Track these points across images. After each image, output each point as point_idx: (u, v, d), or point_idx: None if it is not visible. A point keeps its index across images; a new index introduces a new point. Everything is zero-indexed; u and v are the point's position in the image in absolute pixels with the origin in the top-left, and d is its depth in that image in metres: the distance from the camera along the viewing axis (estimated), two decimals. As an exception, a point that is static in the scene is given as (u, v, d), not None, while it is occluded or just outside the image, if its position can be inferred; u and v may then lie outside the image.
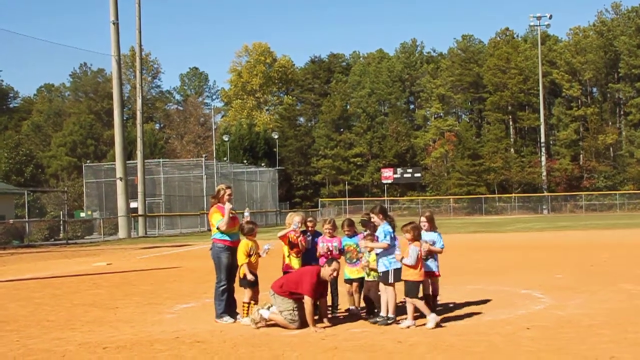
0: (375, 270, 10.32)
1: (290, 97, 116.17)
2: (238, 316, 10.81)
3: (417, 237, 10.05)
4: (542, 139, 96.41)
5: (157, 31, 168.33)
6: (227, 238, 10.87)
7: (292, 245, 10.90)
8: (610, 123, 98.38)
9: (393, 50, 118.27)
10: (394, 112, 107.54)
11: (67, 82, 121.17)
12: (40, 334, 10.21)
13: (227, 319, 10.72)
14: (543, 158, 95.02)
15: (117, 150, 47.91)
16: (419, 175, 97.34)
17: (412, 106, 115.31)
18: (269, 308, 10.19)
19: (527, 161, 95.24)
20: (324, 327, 9.93)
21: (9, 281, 18.63)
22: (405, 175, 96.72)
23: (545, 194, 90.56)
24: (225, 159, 79.14)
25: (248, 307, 10.72)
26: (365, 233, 10.56)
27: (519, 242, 30.47)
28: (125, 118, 58.92)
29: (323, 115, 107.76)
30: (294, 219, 10.97)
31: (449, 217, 79.50)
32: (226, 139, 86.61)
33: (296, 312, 9.92)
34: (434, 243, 10.93)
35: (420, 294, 11.10)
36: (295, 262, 10.87)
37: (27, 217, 48.67)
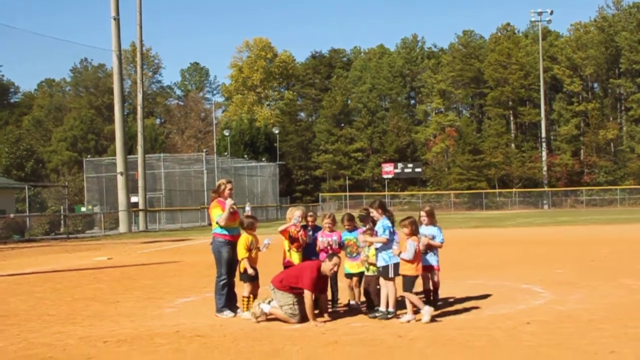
0: (375, 265, 10.32)
1: (291, 92, 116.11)
2: (238, 310, 10.82)
3: (414, 232, 10.05)
4: (543, 134, 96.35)
5: (158, 26, 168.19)
6: (227, 232, 10.88)
7: (292, 240, 10.91)
8: (611, 118, 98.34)
9: (394, 46, 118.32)
10: (395, 107, 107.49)
11: (68, 77, 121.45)
12: (41, 328, 10.22)
13: (228, 313, 10.72)
14: (544, 153, 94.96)
15: (118, 145, 47.92)
16: (419, 170, 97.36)
17: (412, 101, 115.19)
18: (269, 302, 10.20)
19: (528, 156, 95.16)
20: (324, 322, 9.94)
21: (9, 275, 18.65)
22: (405, 170, 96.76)
23: (546, 189, 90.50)
24: (225, 153, 79.12)
25: (248, 301, 10.73)
26: (366, 227, 10.57)
27: (519, 237, 30.48)
28: (125, 113, 58.95)
29: (324, 110, 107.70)
30: (294, 214, 10.97)
31: (450, 212, 79.51)
32: (227, 134, 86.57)
33: (296, 307, 9.92)
34: (433, 237, 10.94)
35: (421, 289, 11.15)
36: (295, 257, 10.88)
37: (27, 211, 48.63)
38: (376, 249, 10.19)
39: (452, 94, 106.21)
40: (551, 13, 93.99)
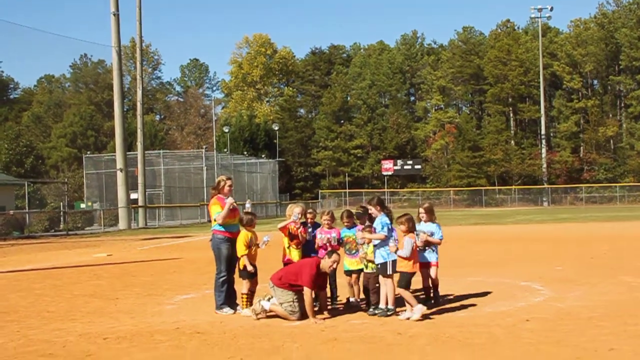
0: (373, 262, 10.32)
1: (290, 88, 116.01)
2: (238, 307, 10.82)
3: (411, 229, 10.04)
4: (543, 131, 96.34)
5: (158, 22, 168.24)
6: (226, 229, 10.87)
7: (292, 237, 10.91)
8: (610, 115, 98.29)
9: (394, 42, 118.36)
10: (395, 104, 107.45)
11: (68, 73, 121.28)
12: (41, 325, 10.23)
13: (227, 310, 10.73)
14: (543, 150, 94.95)
15: (118, 142, 47.90)
16: (419, 167, 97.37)
17: (412, 98, 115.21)
18: (269, 299, 10.21)
19: (528, 153, 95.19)
20: (324, 319, 9.95)
21: (9, 272, 18.65)
22: (405, 167, 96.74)
23: (546, 186, 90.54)
24: (225, 150, 79.08)
25: (247, 298, 10.73)
26: (365, 225, 10.57)
27: (519, 234, 30.48)
28: (125, 109, 58.91)
29: (323, 106, 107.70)
30: (294, 211, 10.97)
31: (449, 209, 79.53)
32: (226, 131, 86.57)
33: (296, 304, 9.93)
34: (432, 234, 10.94)
35: (420, 286, 11.15)
36: (295, 254, 10.88)
37: (27, 208, 48.68)
38: (374, 245, 10.19)
39: (451, 91, 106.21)
40: (551, 9, 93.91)
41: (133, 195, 48.68)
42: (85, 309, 11.74)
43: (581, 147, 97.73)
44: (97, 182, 58.66)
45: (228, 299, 10.87)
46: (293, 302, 9.93)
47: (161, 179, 57.80)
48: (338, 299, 11.35)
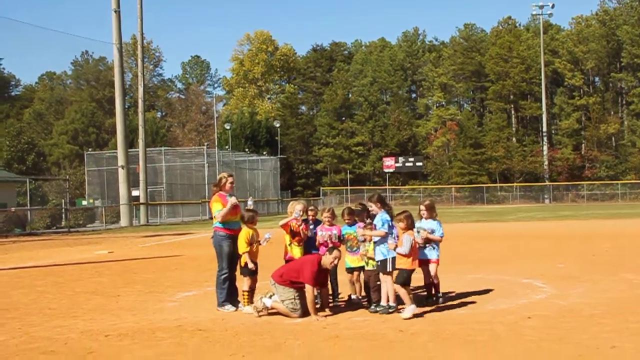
0: (373, 259, 10.31)
1: (292, 85, 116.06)
2: (240, 304, 10.82)
3: (410, 226, 10.01)
4: (544, 128, 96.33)
5: (159, 19, 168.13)
6: (228, 226, 10.87)
7: (293, 234, 10.90)
8: (612, 112, 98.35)
9: (395, 39, 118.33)
10: (396, 101, 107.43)
11: (69, 70, 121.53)
12: (42, 322, 10.23)
13: (229, 307, 10.72)
14: (545, 147, 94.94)
15: (119, 139, 47.92)
16: (420, 164, 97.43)
17: (414, 95, 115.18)
18: (270, 296, 10.21)
19: (529, 150, 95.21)
20: (326, 316, 9.95)
21: (11, 269, 18.66)
22: (407, 164, 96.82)
23: (547, 183, 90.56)
24: (227, 147, 79.12)
25: (248, 295, 10.73)
26: (366, 222, 10.56)
27: (520, 231, 30.47)
28: (127, 106, 58.95)
29: (325, 103, 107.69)
30: (295, 208, 10.96)
31: (451, 206, 79.54)
32: (228, 128, 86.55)
33: (298, 301, 9.93)
34: (433, 231, 10.89)
35: (420, 283, 11.14)
36: (296, 251, 10.87)
37: (29, 205, 48.66)
38: (374, 242, 10.18)
39: (453, 88, 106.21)
40: (552, 7, 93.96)
41: (134, 193, 48.72)
42: (87, 306, 11.74)
43: (583, 145, 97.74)
44: (98, 179, 58.68)
45: (230, 296, 10.87)
46: (294, 299, 9.93)
47: (162, 176, 57.81)
48: (340, 296, 11.34)
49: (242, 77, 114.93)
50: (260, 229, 11.10)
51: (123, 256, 21.92)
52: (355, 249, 10.87)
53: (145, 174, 49.77)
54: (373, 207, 10.34)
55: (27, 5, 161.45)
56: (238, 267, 10.88)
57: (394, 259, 9.93)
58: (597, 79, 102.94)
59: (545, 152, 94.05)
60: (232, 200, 10.89)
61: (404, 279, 9.85)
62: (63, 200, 52.28)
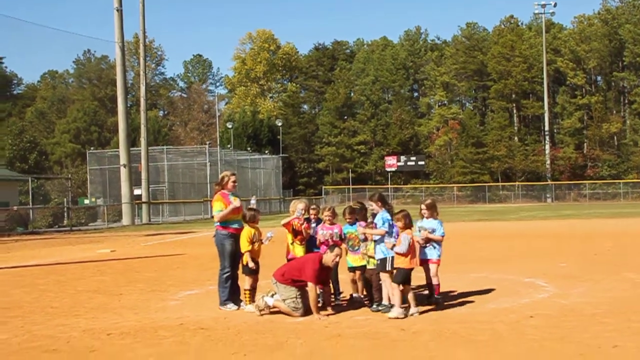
0: (374, 258, 10.31)
1: (294, 84, 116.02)
2: (242, 303, 10.83)
3: (407, 225, 10.01)
4: (546, 128, 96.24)
5: (161, 18, 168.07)
6: (230, 225, 10.88)
7: (295, 233, 10.90)
8: (614, 112, 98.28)
9: (397, 38, 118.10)
10: (398, 100, 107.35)
11: (71, 69, 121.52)
12: (45, 320, 10.24)
13: (231, 306, 10.73)
14: (547, 146, 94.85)
15: (121, 137, 47.92)
16: (422, 163, 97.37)
17: (416, 94, 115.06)
18: (272, 295, 10.21)
19: (531, 149, 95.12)
20: (328, 315, 9.95)
21: (13, 268, 18.68)
22: (409, 163, 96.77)
23: (549, 182, 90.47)
24: (229, 146, 79.17)
25: (249, 294, 10.74)
26: (368, 222, 10.58)
27: (522, 230, 30.47)
28: (129, 105, 58.94)
29: (327, 102, 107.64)
30: (297, 207, 10.96)
31: (453, 205, 79.54)
32: (230, 126, 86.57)
33: (299, 300, 9.93)
34: (433, 231, 10.87)
35: (419, 282, 11.13)
36: (299, 250, 10.87)
37: (31, 203, 48.74)
38: (375, 241, 10.19)
39: (455, 87, 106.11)
40: (555, 5, 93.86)
41: (137, 191, 48.74)
42: (89, 304, 11.75)
43: (585, 144, 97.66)
44: (100, 177, 58.73)
45: (232, 294, 10.87)
46: (296, 298, 9.93)
47: (164, 175, 57.87)
48: (342, 295, 11.34)
49: (244, 75, 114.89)
50: (262, 228, 11.11)
51: (125, 255, 21.94)
52: (356, 248, 10.86)
53: (147, 172, 49.78)
54: (374, 206, 10.35)
55: (29, 4, 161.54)
56: (240, 266, 10.89)
57: (393, 258, 9.94)
58: (599, 78, 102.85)
59: (547, 151, 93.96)
60: (236, 203, 10.90)
61: (402, 278, 9.85)
62: (65, 199, 52.31)
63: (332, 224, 10.95)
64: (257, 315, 10.06)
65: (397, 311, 9.65)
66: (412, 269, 10.02)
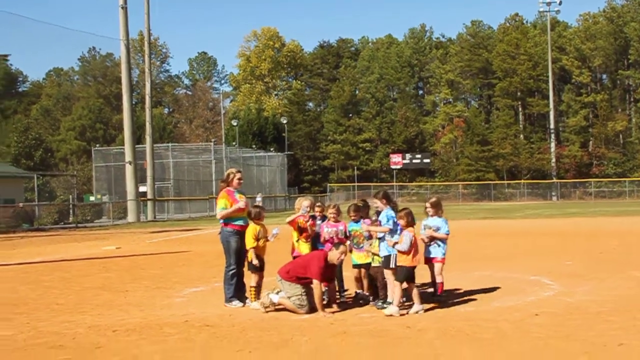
0: (378, 255, 10.32)
1: (299, 82, 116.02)
2: (247, 300, 10.83)
3: (410, 223, 10.00)
4: (552, 126, 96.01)
5: (166, 15, 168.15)
6: (235, 222, 10.89)
7: (301, 230, 10.91)
8: (619, 110, 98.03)
9: (402, 36, 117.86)
10: (403, 98, 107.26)
11: (76, 66, 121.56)
12: (50, 317, 10.26)
13: (236, 303, 10.74)
14: (552, 144, 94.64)
15: (126, 135, 48.01)
16: (427, 160, 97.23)
17: (421, 92, 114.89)
18: (278, 292, 10.22)
19: (537, 147, 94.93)
20: (333, 312, 9.96)
21: (18, 264, 18.72)
22: (414, 161, 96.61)
23: (555, 180, 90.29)
24: (234, 143, 79.22)
25: (255, 291, 10.75)
26: (373, 219, 10.58)
27: (527, 228, 30.43)
28: (134, 102, 59.03)
29: (332, 100, 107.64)
30: (302, 204, 10.97)
31: (458, 203, 79.46)
32: (235, 124, 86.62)
33: (304, 297, 9.93)
34: (438, 229, 10.84)
35: (423, 280, 11.13)
36: (304, 247, 10.87)
37: (36, 200, 48.87)
38: (379, 238, 10.20)
39: (460, 85, 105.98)
40: (560, 3, 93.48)
41: (142, 188, 48.81)
42: (95, 301, 11.78)
43: (590, 142, 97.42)
44: (106, 175, 58.83)
45: (237, 292, 10.89)
46: (301, 295, 9.94)
47: (170, 172, 57.94)
48: (347, 292, 11.34)
49: (249, 73, 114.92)
50: (267, 225, 11.11)
51: (130, 252, 21.98)
52: (361, 245, 10.86)
53: (152, 170, 49.87)
54: (378, 204, 10.35)
55: (35, 2, 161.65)
56: (246, 263, 10.90)
57: (397, 255, 9.94)
58: (604, 76, 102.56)
59: (552, 149, 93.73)
60: (241, 203, 10.90)
61: (404, 275, 9.86)
62: (71, 196, 52.49)
63: (336, 221, 10.96)
64: (262, 313, 10.07)
65: (393, 309, 9.66)
66: (414, 267, 10.02)
